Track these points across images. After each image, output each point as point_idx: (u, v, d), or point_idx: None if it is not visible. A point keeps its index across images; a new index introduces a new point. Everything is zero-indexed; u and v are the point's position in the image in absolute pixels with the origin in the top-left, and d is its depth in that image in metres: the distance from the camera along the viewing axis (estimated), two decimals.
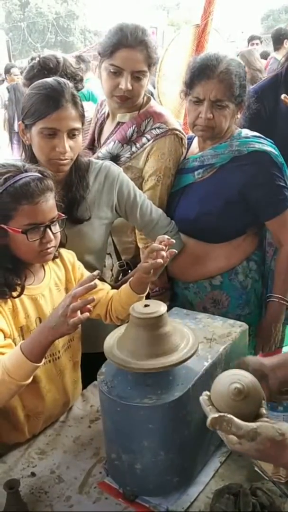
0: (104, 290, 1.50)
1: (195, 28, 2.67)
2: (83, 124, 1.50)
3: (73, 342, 1.42)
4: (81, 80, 1.97)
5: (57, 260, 1.40)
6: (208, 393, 0.93)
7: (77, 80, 1.90)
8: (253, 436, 0.80)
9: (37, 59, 1.92)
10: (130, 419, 1.06)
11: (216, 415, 0.84)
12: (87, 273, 1.51)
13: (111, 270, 1.80)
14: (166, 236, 1.33)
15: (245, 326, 1.33)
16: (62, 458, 1.26)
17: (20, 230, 1.20)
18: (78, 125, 1.46)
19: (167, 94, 2.57)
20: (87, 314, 1.09)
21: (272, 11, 29.54)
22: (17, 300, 1.26)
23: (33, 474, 1.21)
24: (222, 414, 0.85)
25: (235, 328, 1.31)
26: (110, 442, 1.15)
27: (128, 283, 1.45)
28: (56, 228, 1.28)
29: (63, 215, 1.30)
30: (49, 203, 1.24)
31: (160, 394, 1.05)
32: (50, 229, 1.25)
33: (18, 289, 1.26)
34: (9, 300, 1.24)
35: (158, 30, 11.58)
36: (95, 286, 1.11)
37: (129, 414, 1.06)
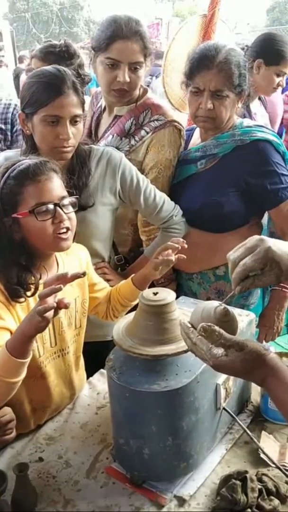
0: (105, 289, 1.52)
1: (202, 18, 2.65)
2: (83, 110, 1.50)
3: (78, 337, 1.43)
4: (88, 82, 1.98)
5: (71, 255, 1.39)
6: (188, 321, 0.92)
7: (84, 81, 1.90)
8: (242, 346, 0.82)
9: (62, 41, 1.94)
10: (139, 404, 1.07)
11: (208, 324, 0.85)
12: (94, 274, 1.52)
13: (109, 263, 1.80)
14: (182, 240, 1.36)
15: (252, 315, 1.34)
16: (69, 444, 1.28)
17: (27, 211, 1.18)
18: (79, 111, 1.46)
19: (173, 85, 2.56)
20: (53, 303, 0.98)
21: (278, 3, 29.24)
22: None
23: (41, 459, 1.23)
24: (212, 324, 0.85)
25: (242, 317, 1.31)
26: (118, 427, 1.16)
27: (129, 279, 1.46)
28: (69, 209, 1.24)
29: (74, 197, 1.28)
30: (54, 181, 1.22)
31: (168, 381, 1.06)
32: (61, 208, 1.21)
33: (32, 288, 1.21)
34: None
35: (163, 21, 11.50)
36: (59, 288, 0.98)
37: (137, 400, 1.07)
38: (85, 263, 1.45)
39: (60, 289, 0.96)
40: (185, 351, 1.07)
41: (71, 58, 1.88)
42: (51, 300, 0.98)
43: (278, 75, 2.52)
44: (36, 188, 1.19)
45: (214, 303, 0.93)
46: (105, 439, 1.28)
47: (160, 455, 1.10)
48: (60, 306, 0.99)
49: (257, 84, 2.51)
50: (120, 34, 1.63)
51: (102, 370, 1.55)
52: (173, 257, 1.36)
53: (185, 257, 1.39)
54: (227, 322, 0.91)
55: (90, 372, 1.55)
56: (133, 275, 1.48)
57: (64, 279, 1.00)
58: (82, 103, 1.47)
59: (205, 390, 1.12)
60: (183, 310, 1.21)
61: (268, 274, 0.90)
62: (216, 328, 0.85)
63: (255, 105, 2.68)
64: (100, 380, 1.51)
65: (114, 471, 1.17)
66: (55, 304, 0.97)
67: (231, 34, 3.35)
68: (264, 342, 1.89)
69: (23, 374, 1.07)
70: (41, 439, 1.30)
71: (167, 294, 1.12)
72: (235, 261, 0.91)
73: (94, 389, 1.48)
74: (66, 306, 0.99)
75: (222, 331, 0.85)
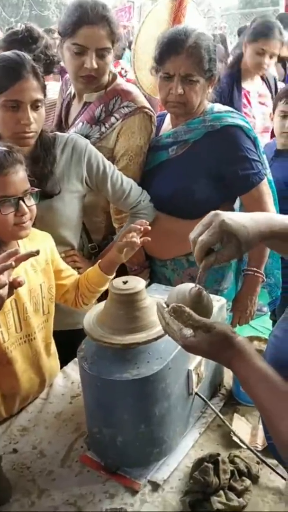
0: (73, 276, 1.51)
1: (172, 1, 2.61)
2: (45, 95, 1.47)
3: (47, 323, 1.42)
4: (58, 62, 1.94)
5: (34, 242, 1.38)
6: (164, 302, 0.94)
7: (53, 62, 1.87)
8: (209, 327, 0.84)
9: (23, 26, 1.90)
10: (110, 394, 1.08)
11: (179, 304, 0.87)
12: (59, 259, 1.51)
13: (82, 250, 1.79)
14: (145, 221, 1.37)
15: (223, 300, 1.35)
16: (44, 434, 1.27)
17: None
18: (40, 96, 1.44)
19: (144, 69, 2.52)
20: (5, 281, 0.95)
21: None
22: None
23: (15, 451, 1.22)
24: (183, 305, 0.87)
25: (213, 302, 1.32)
26: (91, 417, 1.17)
27: (96, 265, 1.46)
28: (31, 201, 1.26)
29: (36, 188, 1.29)
30: (20, 174, 1.22)
31: (140, 368, 1.06)
32: (24, 201, 1.23)
33: None
34: None
35: (135, 4, 11.30)
36: (10, 265, 0.95)
37: (109, 389, 1.07)
38: (49, 250, 1.43)
39: (11, 266, 0.94)
40: (156, 339, 1.07)
41: (35, 42, 1.84)
42: (3, 278, 0.95)
43: (259, 54, 2.69)
44: (1, 181, 1.19)
45: (190, 285, 0.94)
46: (80, 428, 1.28)
47: (133, 442, 1.11)
48: (14, 284, 0.97)
49: (246, 64, 2.78)
50: (86, 20, 1.60)
51: (75, 359, 1.54)
52: (137, 240, 1.36)
53: (149, 239, 1.39)
54: (201, 303, 0.92)
55: (63, 361, 1.55)
56: (99, 260, 1.48)
57: (16, 256, 0.97)
58: (43, 87, 1.45)
59: (177, 376, 1.13)
60: (155, 298, 1.21)
61: (228, 247, 0.89)
62: (186, 309, 0.86)
63: (256, 84, 2.88)
64: (74, 369, 1.50)
65: (89, 459, 1.18)
66: (7, 281, 0.95)
67: (201, 17, 3.32)
68: (238, 326, 1.91)
69: None
70: (15, 431, 1.29)
71: (137, 282, 1.12)
72: (195, 239, 0.92)
73: (68, 378, 1.48)
74: (20, 284, 0.97)
75: (191, 312, 0.86)
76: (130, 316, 1.09)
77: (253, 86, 2.89)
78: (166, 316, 0.88)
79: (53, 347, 1.48)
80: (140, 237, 1.37)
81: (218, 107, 1.75)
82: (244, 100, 2.85)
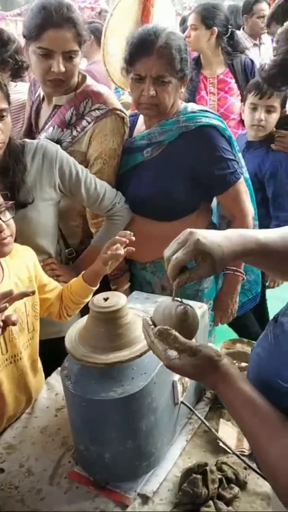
0: (57, 289, 1.49)
1: None
2: (9, 104, 1.43)
3: (32, 341, 1.40)
4: (27, 68, 1.87)
5: (16, 258, 1.35)
6: (150, 317, 0.93)
7: (22, 67, 1.80)
8: (194, 351, 0.84)
9: None
10: (96, 412, 1.07)
11: (165, 327, 0.86)
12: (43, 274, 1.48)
13: (60, 256, 1.76)
14: (128, 232, 1.36)
15: (204, 306, 1.35)
16: (30, 451, 1.26)
17: None
18: (4, 105, 1.39)
19: (114, 63, 2.46)
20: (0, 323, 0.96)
21: None
22: None
23: (2, 470, 1.21)
24: (169, 328, 0.86)
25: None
26: (77, 434, 1.16)
27: (80, 277, 1.44)
28: (6, 216, 1.23)
29: (9, 201, 1.25)
30: None
31: (124, 386, 1.05)
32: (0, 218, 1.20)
33: None
34: None
35: None
36: (4, 308, 0.96)
37: (94, 408, 1.06)
38: (32, 265, 1.40)
39: (5, 309, 0.94)
40: (140, 355, 1.06)
41: (5, 45, 1.77)
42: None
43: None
44: None
45: (175, 303, 0.92)
46: (66, 442, 1.27)
47: (121, 458, 1.11)
48: (7, 323, 0.97)
49: None
50: (50, 22, 1.54)
51: (59, 368, 1.52)
52: (122, 251, 1.36)
53: (134, 249, 1.38)
54: (187, 321, 0.91)
55: (47, 370, 1.53)
56: (83, 272, 1.46)
57: (10, 297, 0.97)
58: (6, 96, 1.39)
59: (162, 389, 1.13)
60: (136, 309, 1.21)
61: (202, 266, 0.88)
62: (172, 332, 0.85)
63: (216, 71, 2.96)
64: (58, 380, 1.48)
65: (77, 475, 1.17)
66: (1, 323, 0.95)
67: (171, 3, 3.26)
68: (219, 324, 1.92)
69: None
70: (0, 449, 1.27)
71: (118, 299, 1.10)
72: (169, 257, 0.91)
73: (52, 390, 1.46)
74: (14, 323, 0.97)
75: (177, 335, 0.85)
76: (112, 333, 1.08)
77: (213, 72, 2.96)
78: (151, 334, 0.88)
79: (39, 364, 1.46)
80: (124, 247, 1.36)
81: (192, 106, 1.73)
82: (202, 85, 2.96)
